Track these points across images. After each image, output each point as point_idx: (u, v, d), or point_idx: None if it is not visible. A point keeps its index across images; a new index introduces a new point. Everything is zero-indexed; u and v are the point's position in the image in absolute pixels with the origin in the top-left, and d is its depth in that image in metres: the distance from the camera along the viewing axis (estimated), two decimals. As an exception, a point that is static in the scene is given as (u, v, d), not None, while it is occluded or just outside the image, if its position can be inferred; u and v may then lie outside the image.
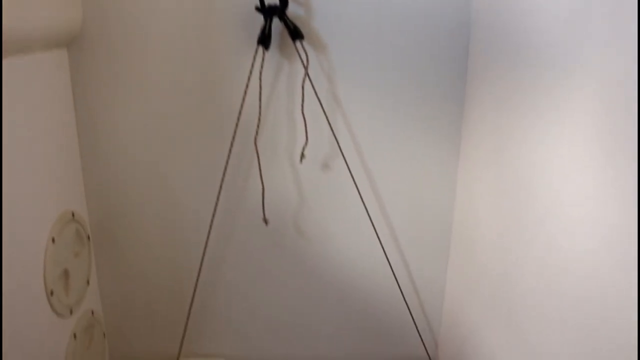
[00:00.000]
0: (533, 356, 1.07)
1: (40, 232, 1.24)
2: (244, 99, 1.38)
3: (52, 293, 1.26)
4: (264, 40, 1.33)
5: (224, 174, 1.43)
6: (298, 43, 1.36)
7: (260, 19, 1.33)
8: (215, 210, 1.45)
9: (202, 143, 1.48)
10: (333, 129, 1.45)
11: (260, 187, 1.48)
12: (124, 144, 1.48)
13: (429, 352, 1.66)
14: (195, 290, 1.50)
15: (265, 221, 1.50)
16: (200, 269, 1.49)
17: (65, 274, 1.35)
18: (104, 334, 1.63)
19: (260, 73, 1.37)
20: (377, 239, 1.52)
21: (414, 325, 1.61)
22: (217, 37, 1.40)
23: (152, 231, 1.56)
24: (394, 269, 1.55)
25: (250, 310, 1.66)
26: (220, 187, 1.43)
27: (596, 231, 0.84)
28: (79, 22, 1.36)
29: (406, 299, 1.58)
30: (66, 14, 1.30)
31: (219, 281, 1.62)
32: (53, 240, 1.27)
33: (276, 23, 1.34)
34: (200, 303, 1.61)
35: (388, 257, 1.54)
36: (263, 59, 1.37)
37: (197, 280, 1.50)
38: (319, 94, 1.41)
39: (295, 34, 1.34)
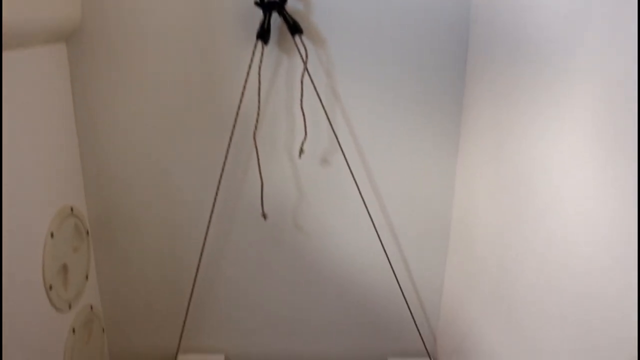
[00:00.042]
0: (532, 352, 1.07)
1: (39, 227, 1.24)
2: (243, 94, 1.38)
3: (51, 288, 1.26)
4: (263, 34, 1.33)
5: (222, 169, 1.43)
6: (297, 38, 1.35)
7: (259, 13, 1.32)
8: (214, 205, 1.45)
9: (201, 137, 1.48)
10: (332, 123, 1.45)
11: (259, 182, 1.48)
12: (122, 138, 1.47)
13: (427, 346, 1.66)
14: (194, 285, 1.50)
15: (264, 216, 1.50)
16: (199, 264, 1.49)
17: (64, 268, 1.35)
18: (103, 329, 1.63)
19: (260, 68, 1.37)
20: (375, 234, 1.52)
21: (412, 320, 1.62)
22: (216, 32, 1.39)
23: (151, 226, 1.56)
24: (392, 264, 1.55)
25: (249, 305, 1.67)
26: (219, 182, 1.43)
27: (596, 227, 0.84)
28: (79, 16, 1.35)
29: (405, 294, 1.59)
30: (65, 8, 1.29)
31: (218, 276, 1.62)
32: (52, 235, 1.26)
33: (275, 18, 1.34)
34: (199, 298, 1.61)
35: (387, 252, 1.54)
36: (262, 54, 1.37)
37: (196, 275, 1.50)
38: (318, 89, 1.41)
39: (295, 28, 1.33)
